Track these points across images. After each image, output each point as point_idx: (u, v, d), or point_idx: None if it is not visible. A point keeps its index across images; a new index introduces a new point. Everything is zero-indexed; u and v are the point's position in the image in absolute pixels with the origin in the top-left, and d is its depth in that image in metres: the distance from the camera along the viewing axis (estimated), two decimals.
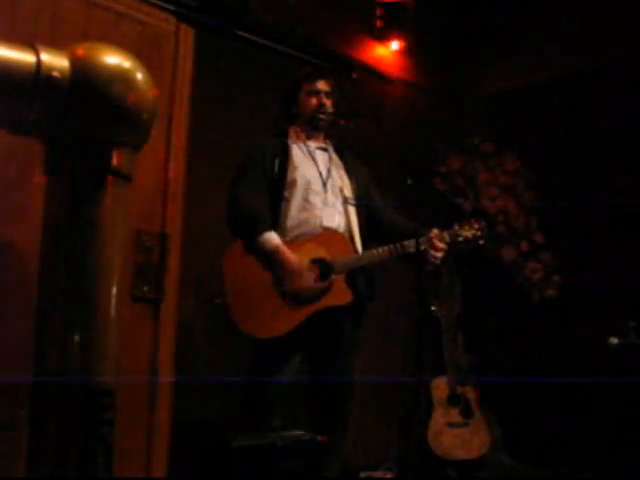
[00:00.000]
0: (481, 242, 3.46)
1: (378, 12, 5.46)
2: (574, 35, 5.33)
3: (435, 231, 3.38)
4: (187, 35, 2.35)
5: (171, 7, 3.79)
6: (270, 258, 3.19)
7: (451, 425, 4.77)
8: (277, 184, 3.32)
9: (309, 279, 3.21)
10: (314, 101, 3.48)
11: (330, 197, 3.37)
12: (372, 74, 5.40)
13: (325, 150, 3.52)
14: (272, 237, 3.20)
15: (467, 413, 4.78)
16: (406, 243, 3.31)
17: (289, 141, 3.44)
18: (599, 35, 5.19)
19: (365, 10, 5.42)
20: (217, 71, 4.23)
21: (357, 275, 3.28)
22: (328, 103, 3.47)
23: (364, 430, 3.65)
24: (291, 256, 3.19)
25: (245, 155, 3.41)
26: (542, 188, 5.53)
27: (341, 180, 3.45)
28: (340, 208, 3.38)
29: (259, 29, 4.56)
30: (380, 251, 3.31)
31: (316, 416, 3.35)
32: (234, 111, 4.41)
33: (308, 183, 3.34)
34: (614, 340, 3.99)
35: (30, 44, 1.67)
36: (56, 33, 2.04)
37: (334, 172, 3.45)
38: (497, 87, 5.89)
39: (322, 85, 3.50)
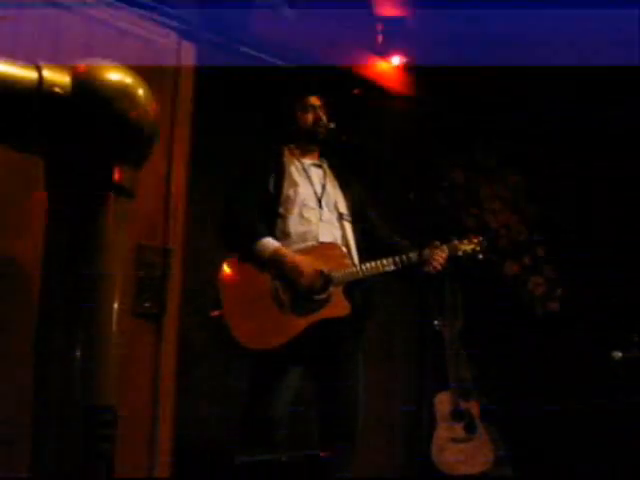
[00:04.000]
0: (480, 257, 3.47)
1: (379, 27, 5.48)
2: (577, 47, 5.35)
3: (436, 243, 3.40)
4: (188, 51, 2.36)
5: (172, 23, 3.82)
6: (269, 264, 3.17)
7: (455, 440, 4.76)
8: (272, 201, 3.32)
9: (313, 281, 3.19)
10: (310, 116, 3.49)
11: (326, 213, 3.37)
12: (373, 89, 5.41)
13: (319, 167, 3.52)
14: (269, 241, 3.19)
15: (471, 428, 4.77)
16: (407, 256, 3.32)
17: (284, 159, 3.45)
18: (602, 49, 5.20)
19: (366, 25, 5.45)
20: (218, 87, 4.24)
21: (354, 289, 3.27)
22: (324, 117, 3.49)
23: (367, 445, 3.63)
24: (294, 256, 3.18)
25: (238, 170, 3.42)
26: (544, 202, 5.54)
27: (336, 196, 3.46)
28: (336, 223, 3.38)
29: (260, 45, 4.57)
30: (380, 264, 3.31)
31: (323, 432, 3.34)
32: (236, 127, 4.43)
33: (303, 200, 3.35)
34: (617, 354, 3.98)
35: (32, 60, 1.68)
36: (58, 49, 2.05)
37: (329, 188, 3.46)
38: (499, 102, 5.89)
39: (314, 100, 3.52)
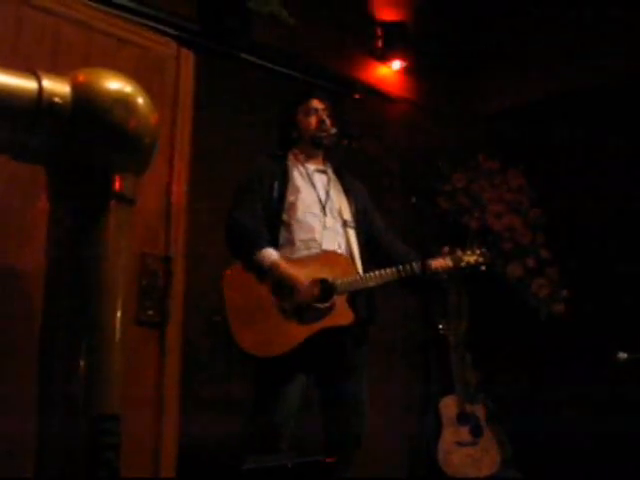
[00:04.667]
0: (483, 268, 3.47)
1: (379, 32, 5.49)
2: (576, 52, 5.35)
3: (445, 249, 3.41)
4: (188, 59, 2.36)
5: (172, 31, 3.83)
6: (269, 275, 3.17)
7: (461, 444, 4.75)
8: (276, 207, 3.32)
9: (309, 295, 3.19)
10: (314, 120, 3.48)
11: (329, 220, 3.36)
12: (374, 94, 5.42)
13: (324, 172, 3.51)
14: (270, 253, 3.19)
15: (477, 432, 4.76)
16: (410, 265, 3.31)
17: (289, 164, 3.44)
18: (601, 52, 5.20)
19: (366, 30, 5.46)
20: (219, 94, 4.25)
21: (357, 297, 3.27)
22: (327, 120, 3.47)
23: (373, 449, 3.63)
24: (290, 270, 3.18)
25: (244, 176, 3.41)
26: (547, 204, 5.53)
27: (340, 202, 3.44)
28: (340, 230, 3.37)
29: (261, 52, 4.58)
30: (383, 273, 3.31)
31: (328, 439, 3.34)
32: (236, 133, 4.43)
33: (307, 206, 3.34)
34: (623, 355, 3.97)
35: (32, 70, 1.68)
36: (57, 59, 2.06)
37: (333, 194, 3.45)
38: (500, 104, 5.90)
39: (317, 103, 3.50)
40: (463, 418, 4.79)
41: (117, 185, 1.75)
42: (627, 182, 5.07)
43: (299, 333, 3.14)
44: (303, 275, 3.20)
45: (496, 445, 4.72)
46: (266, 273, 3.17)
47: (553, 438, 5.09)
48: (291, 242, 3.28)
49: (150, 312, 2.20)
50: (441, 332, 5.03)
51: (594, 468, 4.72)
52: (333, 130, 3.45)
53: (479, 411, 4.82)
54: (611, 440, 4.78)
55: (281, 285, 3.16)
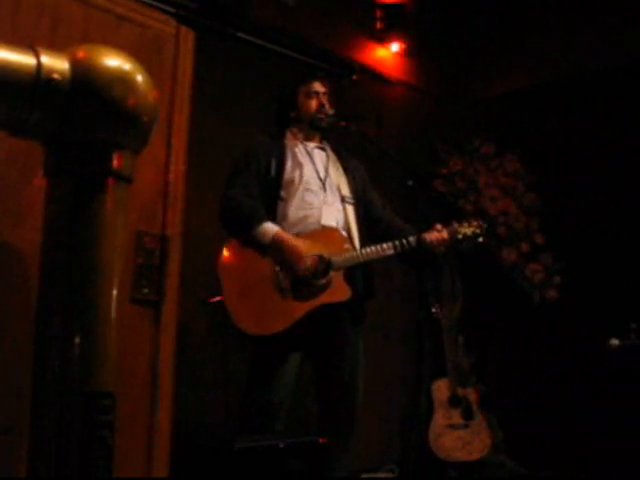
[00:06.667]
0: (480, 240, 3.49)
1: (378, 14, 5.47)
2: (574, 38, 5.34)
3: (438, 226, 3.42)
4: (187, 37, 2.34)
5: (171, 9, 3.81)
6: (270, 249, 3.18)
7: (452, 427, 4.77)
8: (274, 184, 3.32)
9: (311, 268, 3.20)
10: (314, 103, 3.49)
11: (328, 196, 3.38)
12: (372, 76, 5.41)
13: (323, 149, 3.53)
14: (270, 226, 3.20)
15: (468, 415, 4.78)
16: (406, 240, 3.33)
17: (286, 142, 3.45)
18: (599, 38, 5.19)
19: (365, 12, 5.44)
20: (217, 73, 4.23)
21: (355, 273, 3.29)
22: (327, 104, 3.49)
23: (365, 431, 3.65)
24: (294, 241, 3.19)
25: (239, 154, 3.42)
26: (542, 189, 5.54)
27: (339, 179, 3.46)
28: (339, 206, 3.39)
29: (259, 31, 4.57)
30: (379, 248, 3.32)
31: (322, 416, 3.36)
32: (234, 113, 4.42)
33: (306, 182, 3.35)
34: (615, 341, 3.99)
35: (30, 46, 1.67)
36: (56, 36, 2.04)
37: (332, 171, 3.46)
38: (497, 89, 5.90)
39: (318, 86, 3.52)
40: (455, 401, 4.82)
41: (115, 163, 1.74)
42: (623, 168, 5.07)
43: (296, 311, 3.16)
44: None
45: (487, 429, 4.75)
46: (267, 247, 3.17)
47: (544, 422, 5.12)
48: (288, 219, 3.30)
49: (145, 290, 2.19)
50: (434, 315, 5.05)
51: (585, 453, 4.75)
52: (331, 111, 3.46)
53: (471, 394, 4.84)
54: (603, 425, 4.81)
55: (284, 256, 3.17)
